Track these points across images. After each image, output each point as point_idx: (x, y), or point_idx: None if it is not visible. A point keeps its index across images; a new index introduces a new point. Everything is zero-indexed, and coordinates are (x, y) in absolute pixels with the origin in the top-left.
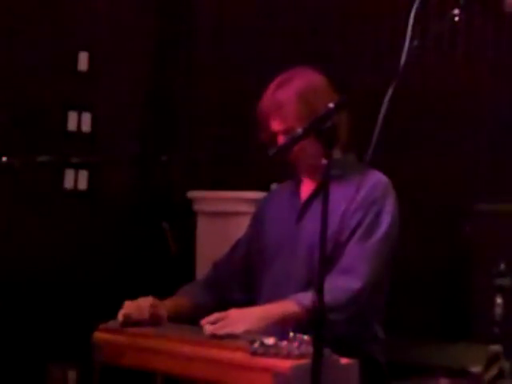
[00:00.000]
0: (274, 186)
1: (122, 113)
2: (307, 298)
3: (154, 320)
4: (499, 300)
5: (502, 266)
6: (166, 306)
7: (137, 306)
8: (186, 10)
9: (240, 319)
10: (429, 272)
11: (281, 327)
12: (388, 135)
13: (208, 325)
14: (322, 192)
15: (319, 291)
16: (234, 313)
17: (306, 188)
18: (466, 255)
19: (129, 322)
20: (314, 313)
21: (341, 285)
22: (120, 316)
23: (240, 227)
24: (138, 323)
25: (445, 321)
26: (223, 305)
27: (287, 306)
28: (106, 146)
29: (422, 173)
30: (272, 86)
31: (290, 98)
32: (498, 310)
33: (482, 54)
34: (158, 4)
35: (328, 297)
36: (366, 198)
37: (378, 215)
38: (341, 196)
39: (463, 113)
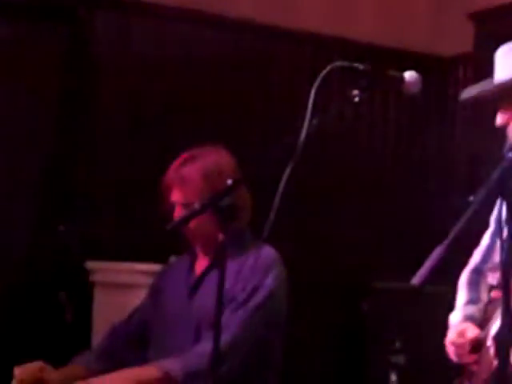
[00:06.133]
0: (172, 259)
1: (19, 180)
2: (171, 363)
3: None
4: (394, 377)
5: (397, 344)
6: (60, 375)
7: (26, 370)
8: (87, 92)
9: None
10: (324, 347)
11: None
12: (284, 211)
13: None
14: (214, 268)
15: (214, 363)
16: (94, 380)
17: (201, 263)
18: (362, 332)
19: None
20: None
21: (200, 350)
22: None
23: (137, 299)
24: None
25: None
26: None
27: (147, 371)
28: (2, 215)
29: (320, 249)
30: (179, 160)
31: (194, 174)
32: None
33: (383, 132)
34: (59, 82)
35: (187, 362)
36: (248, 271)
37: (254, 288)
38: (229, 273)
39: (363, 191)
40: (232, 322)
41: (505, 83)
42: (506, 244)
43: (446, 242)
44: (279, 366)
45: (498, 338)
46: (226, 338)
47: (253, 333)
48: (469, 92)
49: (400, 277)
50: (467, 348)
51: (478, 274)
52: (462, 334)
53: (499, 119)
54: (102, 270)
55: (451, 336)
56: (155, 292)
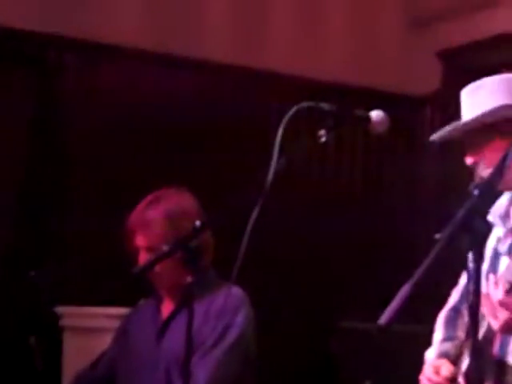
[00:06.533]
0: (142, 302)
1: None
2: None
3: None
4: None
5: None
6: None
7: None
8: (58, 135)
9: None
10: None
11: None
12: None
13: None
14: (181, 310)
15: None
16: None
17: (166, 307)
18: (331, 372)
19: None
20: None
21: None
22: None
23: (108, 343)
24: None
25: None
26: None
27: None
28: None
29: (287, 290)
30: (143, 203)
31: (157, 217)
32: None
33: (351, 171)
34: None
35: None
36: (217, 311)
37: (226, 328)
38: (197, 313)
39: (332, 230)
40: (207, 363)
41: (468, 124)
42: (473, 284)
43: (413, 280)
44: None
45: (467, 375)
46: (204, 380)
47: (229, 372)
48: (438, 135)
49: (371, 316)
50: None
51: (456, 312)
52: (437, 370)
53: (468, 160)
54: (71, 314)
55: (426, 372)
56: (121, 336)
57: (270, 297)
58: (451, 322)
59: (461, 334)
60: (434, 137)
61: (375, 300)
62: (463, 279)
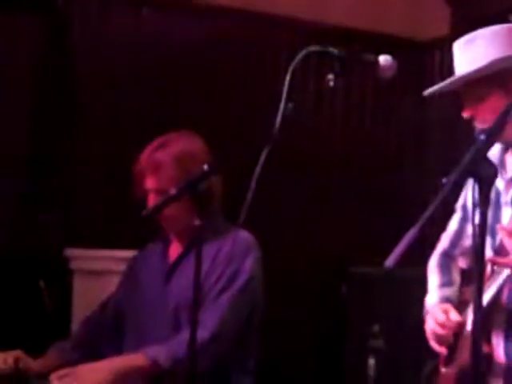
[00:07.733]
0: (150, 245)
1: None
2: (157, 351)
3: (20, 372)
4: (372, 361)
5: (376, 328)
6: (38, 365)
7: (2, 359)
8: (66, 82)
9: (87, 374)
10: (302, 333)
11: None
12: (261, 198)
13: (56, 380)
14: (189, 254)
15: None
16: (81, 368)
17: (174, 250)
18: (341, 317)
19: None
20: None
21: (186, 337)
22: None
23: (115, 286)
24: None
25: (319, 381)
26: (95, 360)
27: (135, 359)
28: None
29: (298, 236)
30: (152, 146)
31: (167, 160)
32: (371, 372)
33: (360, 117)
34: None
35: (174, 350)
36: (226, 255)
37: (235, 272)
38: (206, 257)
39: (339, 177)
40: (216, 308)
41: (471, 75)
42: (479, 229)
43: (419, 223)
44: (256, 348)
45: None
46: (214, 323)
47: (238, 316)
48: (434, 89)
49: (379, 262)
50: (452, 331)
51: (448, 256)
52: (446, 312)
53: (466, 114)
54: (80, 257)
55: (436, 316)
56: (128, 279)
57: (279, 244)
58: (445, 267)
59: (456, 278)
60: (430, 91)
61: (385, 246)
62: (453, 225)
